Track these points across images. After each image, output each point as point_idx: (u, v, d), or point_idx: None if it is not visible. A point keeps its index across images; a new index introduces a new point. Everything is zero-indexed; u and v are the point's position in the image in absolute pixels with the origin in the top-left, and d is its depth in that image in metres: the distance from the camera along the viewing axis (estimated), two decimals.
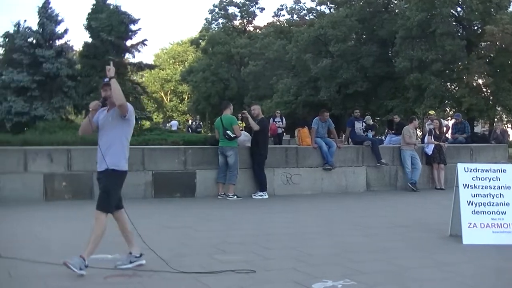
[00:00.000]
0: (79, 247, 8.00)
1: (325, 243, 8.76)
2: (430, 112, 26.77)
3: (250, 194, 14.61)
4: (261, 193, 14.52)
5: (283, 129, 25.46)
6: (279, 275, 6.71)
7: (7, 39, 34.21)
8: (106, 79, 6.87)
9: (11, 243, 8.28)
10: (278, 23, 64.49)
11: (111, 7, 31.05)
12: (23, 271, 6.67)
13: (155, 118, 61.70)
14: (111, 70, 6.64)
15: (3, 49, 35.23)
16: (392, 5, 50.08)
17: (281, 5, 77.10)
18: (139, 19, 31.46)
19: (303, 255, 7.78)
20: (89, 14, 31.25)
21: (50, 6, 29.75)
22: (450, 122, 24.51)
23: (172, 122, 48.17)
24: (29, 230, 9.51)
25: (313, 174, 15.71)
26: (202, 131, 39.54)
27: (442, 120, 21.70)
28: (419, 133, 27.74)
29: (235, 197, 14.10)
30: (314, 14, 58.42)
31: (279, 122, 24.66)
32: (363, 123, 19.64)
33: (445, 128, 19.99)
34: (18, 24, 32.53)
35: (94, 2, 31.57)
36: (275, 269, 6.95)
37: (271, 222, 10.89)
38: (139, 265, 6.95)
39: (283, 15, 64.87)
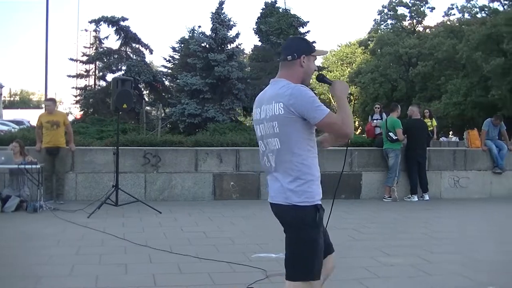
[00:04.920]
0: (245, 245, 8.28)
1: (493, 249, 8.44)
2: None
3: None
4: (409, 196, 14.26)
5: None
6: (442, 280, 6.57)
7: (182, 45, 35.81)
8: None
9: (181, 240, 8.66)
10: (448, 22, 62.83)
11: (281, 10, 31.53)
12: (192, 267, 6.94)
13: None
14: None
15: (179, 54, 36.93)
16: None
17: (452, 4, 75.21)
18: (308, 22, 31.74)
19: (469, 260, 7.55)
20: (258, 18, 31.93)
21: (223, 11, 30.67)
22: None
23: None
24: (199, 228, 9.88)
25: (482, 178, 15.20)
26: None
27: None
28: None
29: (390, 199, 13.95)
30: (487, 12, 56.33)
31: (377, 120, 17.81)
32: None
33: None
34: (192, 30, 33.95)
35: (264, 6, 32.20)
36: (439, 274, 6.80)
37: (437, 225, 10.67)
38: None
39: (454, 14, 63.22)
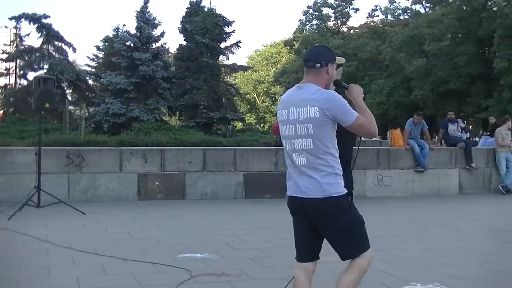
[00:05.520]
0: (171, 246, 8.23)
1: (416, 246, 8.63)
2: None
3: None
4: None
5: None
6: (367, 278, 6.62)
7: (106, 43, 35.40)
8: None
9: (105, 241, 8.55)
10: (372, 23, 63.96)
11: (206, 9, 31.44)
12: (116, 268, 6.86)
13: (248, 119, 62.24)
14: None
15: (103, 53, 36.50)
16: (490, 3, 48.79)
17: (376, 6, 76.58)
18: (233, 21, 31.69)
19: (393, 258, 7.69)
20: (183, 17, 31.76)
21: (147, 10, 30.42)
22: None
23: None
24: (123, 229, 9.77)
25: (405, 176, 15.49)
26: None
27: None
28: None
29: None
30: (409, 14, 57.71)
31: None
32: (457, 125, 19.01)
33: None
34: (117, 29, 33.66)
35: (189, 6, 32.06)
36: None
37: None
38: None
39: (377, 16, 64.43)
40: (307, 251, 4.54)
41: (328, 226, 4.30)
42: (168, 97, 29.34)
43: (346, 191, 4.27)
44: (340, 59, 4.49)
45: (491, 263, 7.55)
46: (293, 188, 4.34)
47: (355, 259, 4.38)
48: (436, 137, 22.32)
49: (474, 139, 24.96)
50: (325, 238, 4.42)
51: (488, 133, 21.33)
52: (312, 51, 4.45)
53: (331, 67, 4.33)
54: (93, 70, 37.59)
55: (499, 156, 16.23)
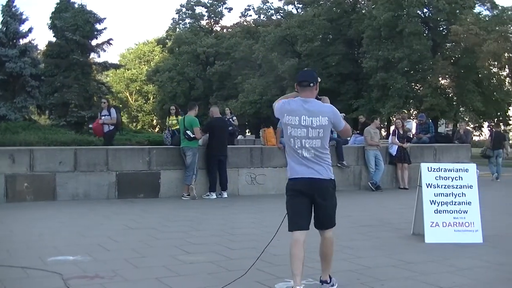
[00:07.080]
0: (41, 249, 7.94)
1: (288, 243, 8.71)
2: (404, 111, 26.78)
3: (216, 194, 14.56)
4: (208, 193, 14.50)
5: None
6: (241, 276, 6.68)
7: None
8: None
9: None
10: (245, 23, 64.65)
11: (76, 6, 30.78)
12: None
13: None
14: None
15: None
16: (359, 6, 50.50)
17: (248, 5, 77.48)
18: (104, 18, 31.26)
19: (266, 255, 7.70)
20: (53, 13, 30.93)
21: (14, 4, 29.40)
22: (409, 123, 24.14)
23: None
24: None
25: (278, 174, 15.60)
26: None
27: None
28: (384, 133, 27.81)
29: (189, 197, 14.04)
30: (282, 14, 58.75)
31: (105, 116, 16.97)
32: None
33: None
34: None
35: (58, 1, 31.25)
36: (238, 269, 6.90)
37: (234, 222, 10.85)
38: None
39: (250, 15, 65.21)
40: (305, 222, 5.98)
41: (326, 201, 5.87)
42: (37, 95, 28.50)
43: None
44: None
45: (360, 257, 7.77)
46: (306, 171, 5.80)
47: (327, 234, 6.14)
48: None
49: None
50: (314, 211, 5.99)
51: (358, 131, 21.95)
52: (306, 74, 6.20)
53: (317, 84, 5.99)
54: None
55: (368, 154, 16.78)
